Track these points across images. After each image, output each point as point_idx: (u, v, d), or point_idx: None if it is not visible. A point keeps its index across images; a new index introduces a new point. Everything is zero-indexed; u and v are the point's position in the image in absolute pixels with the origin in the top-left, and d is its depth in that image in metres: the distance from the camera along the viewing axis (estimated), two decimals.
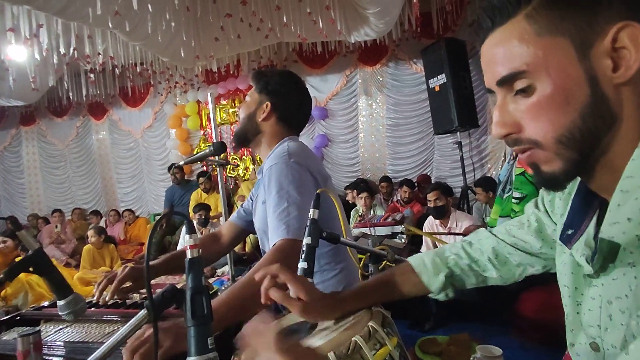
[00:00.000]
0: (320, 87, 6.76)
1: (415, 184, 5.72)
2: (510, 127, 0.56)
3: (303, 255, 0.87)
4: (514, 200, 1.75)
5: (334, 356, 0.62)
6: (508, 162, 1.97)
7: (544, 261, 0.80)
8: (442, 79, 5.09)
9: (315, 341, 0.71)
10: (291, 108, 1.41)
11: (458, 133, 5.19)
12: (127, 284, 1.21)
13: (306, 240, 0.88)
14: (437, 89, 5.20)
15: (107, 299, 1.14)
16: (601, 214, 0.59)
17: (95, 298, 1.18)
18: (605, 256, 0.55)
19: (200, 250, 0.63)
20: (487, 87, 0.59)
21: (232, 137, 1.50)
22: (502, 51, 0.54)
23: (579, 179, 0.64)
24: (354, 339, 0.65)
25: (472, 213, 4.54)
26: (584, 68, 0.51)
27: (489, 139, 5.83)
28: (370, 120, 6.62)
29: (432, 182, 5.65)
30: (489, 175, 5.54)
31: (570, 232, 0.63)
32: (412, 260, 0.90)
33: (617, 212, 0.53)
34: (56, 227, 6.43)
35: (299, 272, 0.85)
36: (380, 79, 6.46)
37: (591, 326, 0.60)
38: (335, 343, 0.67)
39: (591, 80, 0.52)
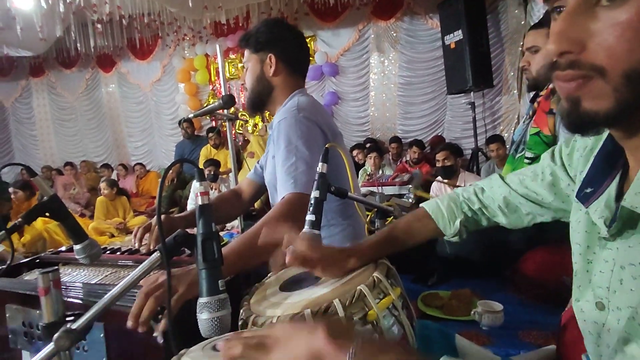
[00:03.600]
0: (332, 42, 6.57)
1: (428, 146, 5.65)
2: (573, 43, 0.47)
3: (311, 208, 0.88)
4: (526, 160, 1.72)
5: (339, 303, 0.64)
6: (523, 122, 1.92)
7: (553, 212, 0.81)
8: (458, 35, 4.91)
9: (320, 289, 0.74)
10: (292, 50, 1.40)
11: (472, 93, 5.07)
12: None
13: (314, 193, 0.89)
14: (452, 45, 5.02)
15: (151, 247, 1.17)
16: (624, 175, 0.56)
17: (136, 246, 1.22)
18: (625, 223, 0.53)
19: (209, 197, 0.65)
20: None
21: (244, 105, 1.50)
22: None
23: (604, 135, 0.61)
24: (359, 287, 0.67)
25: (480, 175, 4.53)
26: None
27: (503, 100, 5.68)
28: (382, 78, 6.45)
29: None
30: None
31: (588, 190, 0.61)
32: (427, 206, 0.93)
33: None
34: (73, 189, 6.55)
35: (306, 225, 0.87)
36: (394, 35, 6.23)
37: (600, 287, 0.59)
38: (341, 291, 0.69)
39: None
